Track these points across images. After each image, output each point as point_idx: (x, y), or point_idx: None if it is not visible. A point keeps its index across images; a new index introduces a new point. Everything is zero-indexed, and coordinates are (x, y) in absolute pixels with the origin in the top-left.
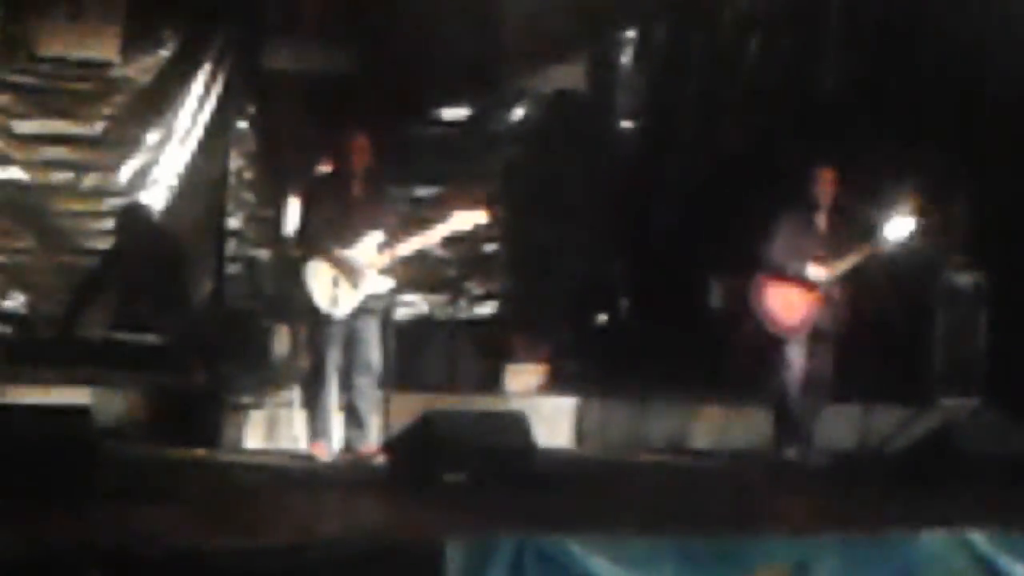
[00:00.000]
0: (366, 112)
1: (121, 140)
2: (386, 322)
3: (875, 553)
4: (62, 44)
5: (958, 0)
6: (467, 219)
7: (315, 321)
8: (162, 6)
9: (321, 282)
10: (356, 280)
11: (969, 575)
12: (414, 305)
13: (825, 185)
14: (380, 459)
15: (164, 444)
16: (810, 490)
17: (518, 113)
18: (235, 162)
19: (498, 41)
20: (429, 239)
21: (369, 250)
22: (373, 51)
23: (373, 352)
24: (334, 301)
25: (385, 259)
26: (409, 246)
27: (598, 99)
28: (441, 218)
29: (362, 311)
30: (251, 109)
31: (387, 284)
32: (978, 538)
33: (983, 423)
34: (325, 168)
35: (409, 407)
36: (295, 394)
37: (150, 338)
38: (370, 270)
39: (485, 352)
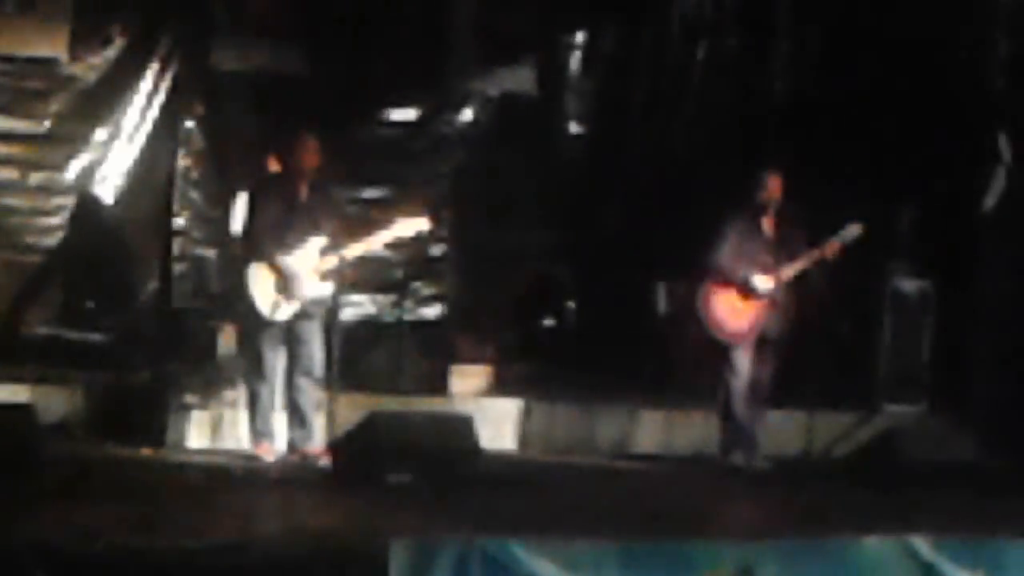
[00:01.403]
0: (314, 113)
1: (68, 137)
2: (330, 324)
3: (819, 558)
4: (9, 41)
5: (900, 5)
6: (410, 226)
7: (256, 324)
8: (110, 4)
9: (262, 287)
10: (297, 285)
11: None
12: (360, 306)
13: (771, 191)
14: (325, 459)
15: (108, 442)
16: (755, 495)
17: (466, 115)
18: (182, 161)
19: (446, 43)
20: (371, 245)
21: (312, 254)
22: (322, 52)
23: (315, 353)
24: (275, 306)
25: (327, 264)
26: (351, 252)
27: (546, 102)
28: (384, 224)
29: (303, 314)
30: (199, 108)
31: (328, 289)
32: (921, 544)
33: (928, 430)
34: (272, 169)
35: (354, 407)
36: (240, 394)
37: (95, 336)
38: (312, 275)
39: (431, 353)
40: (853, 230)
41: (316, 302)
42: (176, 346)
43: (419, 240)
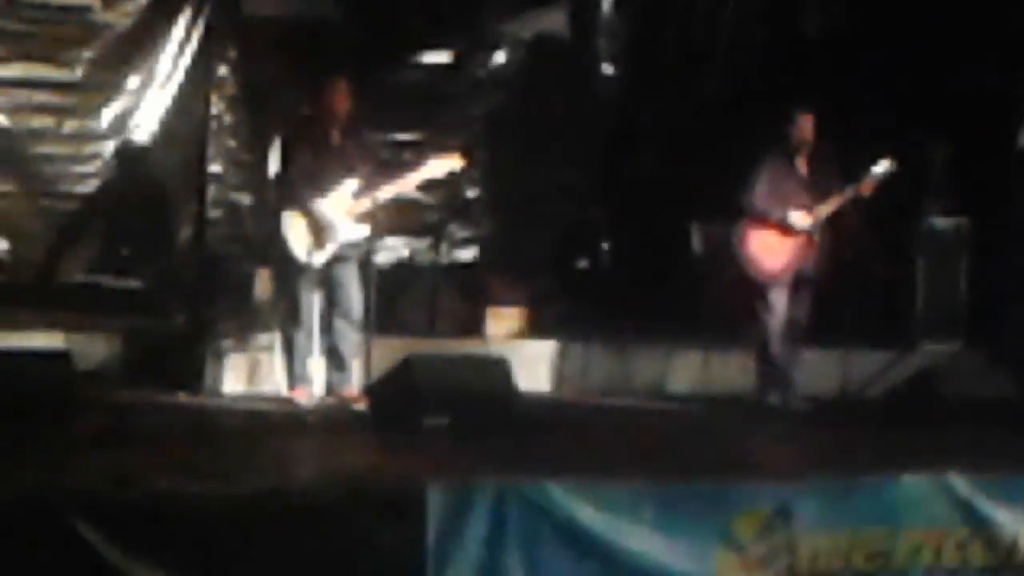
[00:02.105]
0: (346, 57)
1: (102, 85)
2: (366, 267)
3: (856, 496)
4: None
5: None
6: (442, 165)
7: (292, 268)
8: None
9: (297, 231)
10: (332, 228)
11: (949, 518)
12: (395, 249)
13: (804, 130)
14: (361, 403)
15: (145, 388)
16: (791, 435)
17: (499, 57)
18: (216, 107)
19: None
20: (404, 186)
21: (346, 197)
22: None
23: (353, 296)
24: (310, 249)
25: (361, 206)
26: (384, 194)
27: (579, 43)
28: (416, 165)
29: (340, 258)
30: (232, 54)
31: (363, 232)
32: (958, 481)
33: (964, 367)
34: (305, 113)
35: (390, 351)
36: (276, 339)
37: (131, 282)
38: (346, 218)
39: (466, 296)
40: (886, 167)
41: (351, 245)
42: (212, 292)
43: (453, 183)
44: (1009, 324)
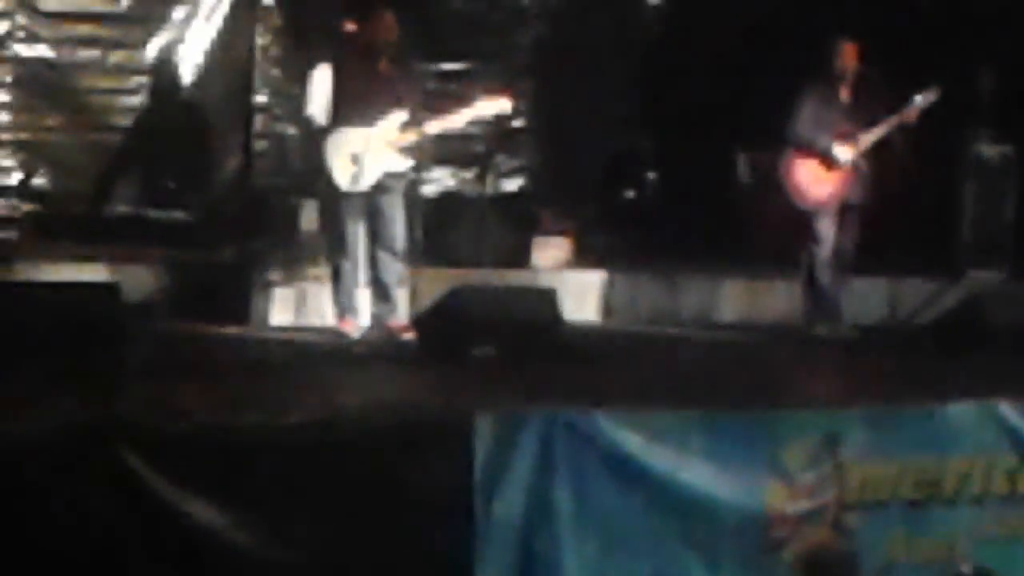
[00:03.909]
0: None
1: (147, 16)
2: (410, 198)
3: (904, 424)
4: None
5: None
6: (491, 106)
7: (335, 196)
8: None
9: (340, 159)
10: (376, 157)
11: (997, 445)
12: (441, 181)
13: (848, 58)
14: (409, 334)
15: (192, 321)
16: (839, 363)
17: None
18: (261, 38)
19: None
20: (451, 123)
21: (391, 128)
22: None
23: (396, 228)
24: (354, 178)
25: (407, 138)
26: (431, 127)
27: None
28: (465, 102)
29: (383, 188)
30: None
31: (408, 163)
32: (1006, 409)
33: (1011, 294)
34: (351, 44)
35: (438, 282)
36: (323, 270)
37: (178, 214)
38: (390, 149)
39: (513, 226)
40: (931, 94)
41: (395, 176)
42: (259, 223)
43: (499, 114)
44: None
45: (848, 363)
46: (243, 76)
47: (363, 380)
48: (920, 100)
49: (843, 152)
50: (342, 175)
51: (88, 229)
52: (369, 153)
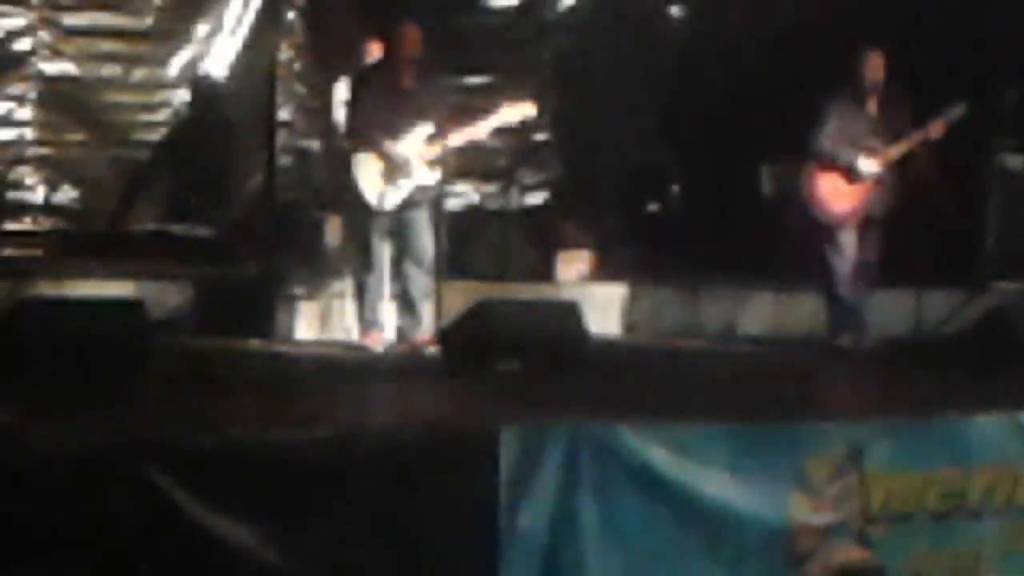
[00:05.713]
0: (416, 1)
1: (171, 32)
2: (437, 211)
3: (929, 437)
4: None
5: None
6: (516, 111)
7: (364, 213)
8: None
9: (369, 175)
10: (404, 172)
11: (1022, 457)
12: (465, 195)
13: (874, 70)
14: (433, 348)
15: (217, 336)
16: (863, 376)
17: (568, 0)
18: (285, 53)
19: None
20: (477, 132)
21: (418, 142)
22: None
23: (424, 241)
24: (382, 194)
25: (433, 151)
26: (457, 138)
27: None
28: (489, 111)
29: (411, 202)
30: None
31: (435, 176)
32: None
33: None
34: (375, 58)
35: (462, 296)
36: (348, 284)
37: (202, 230)
38: (418, 163)
39: (537, 240)
40: (958, 109)
41: (423, 190)
42: (283, 238)
43: (523, 127)
44: None
45: (872, 376)
46: (266, 91)
47: (387, 394)
48: (947, 115)
49: (868, 165)
50: (371, 192)
51: (112, 245)
52: (398, 170)
